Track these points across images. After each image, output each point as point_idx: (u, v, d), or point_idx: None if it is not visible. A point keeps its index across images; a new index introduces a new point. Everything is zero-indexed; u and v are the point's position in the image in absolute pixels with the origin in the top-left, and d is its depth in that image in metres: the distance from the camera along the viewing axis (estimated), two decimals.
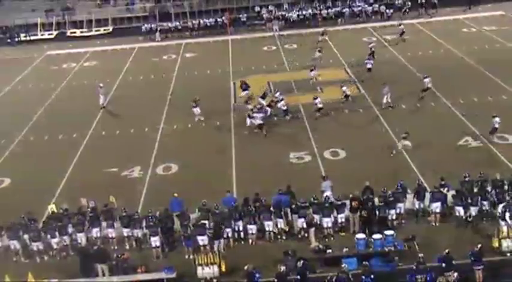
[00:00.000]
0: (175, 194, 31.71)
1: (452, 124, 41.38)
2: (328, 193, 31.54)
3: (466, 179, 30.95)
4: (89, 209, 31.65)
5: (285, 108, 44.99)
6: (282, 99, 45.60)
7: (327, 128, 42.65)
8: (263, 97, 46.13)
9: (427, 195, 30.54)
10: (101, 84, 51.56)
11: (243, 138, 42.06)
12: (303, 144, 39.91)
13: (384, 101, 44.93)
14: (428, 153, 37.06)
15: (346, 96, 46.36)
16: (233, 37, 72.19)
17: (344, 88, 46.98)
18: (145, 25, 76.66)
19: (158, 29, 74.95)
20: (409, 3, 76.77)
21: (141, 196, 34.88)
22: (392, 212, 29.89)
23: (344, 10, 76.81)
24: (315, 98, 44.87)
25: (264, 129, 42.01)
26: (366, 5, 77.88)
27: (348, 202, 30.07)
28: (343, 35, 69.30)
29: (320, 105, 44.33)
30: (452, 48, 59.13)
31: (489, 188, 30.45)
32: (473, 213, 29.40)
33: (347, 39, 66.88)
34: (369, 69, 52.47)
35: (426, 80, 46.63)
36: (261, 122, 42.40)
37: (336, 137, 40.87)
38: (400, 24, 66.33)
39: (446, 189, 30.59)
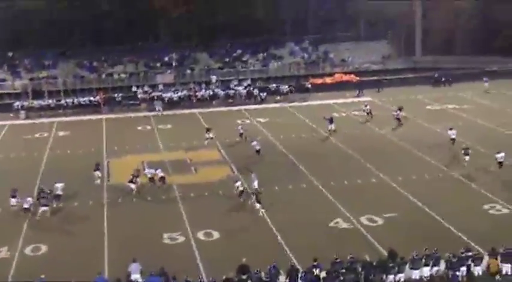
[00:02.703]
0: (42, 276, 30.63)
1: (324, 205, 42.22)
2: (137, 276, 31.38)
3: (337, 260, 31.46)
4: None
5: (150, 176, 46.62)
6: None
7: (200, 208, 42.50)
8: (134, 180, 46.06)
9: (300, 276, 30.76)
10: None
11: (116, 218, 41.33)
12: (177, 225, 39.59)
13: (255, 186, 44.84)
14: (300, 234, 37.47)
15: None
16: (107, 116, 71.97)
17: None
18: (17, 102, 75.09)
19: (21, 106, 73.80)
20: (292, 88, 79.12)
21: (7, 278, 33.44)
22: None
23: (218, 92, 78.11)
24: (236, 182, 44.65)
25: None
26: (240, 88, 79.47)
27: None
28: (217, 116, 70.16)
29: (241, 188, 43.95)
30: (324, 132, 60.86)
31: (359, 269, 31.01)
32: None
33: (221, 120, 67.66)
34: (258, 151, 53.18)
35: (449, 132, 54.04)
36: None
37: (210, 218, 40.70)
38: (366, 105, 67.86)
39: (318, 269, 30.95)
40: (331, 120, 60.07)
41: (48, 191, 43.67)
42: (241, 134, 58.17)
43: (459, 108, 69.97)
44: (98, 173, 48.24)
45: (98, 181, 47.94)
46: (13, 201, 43.05)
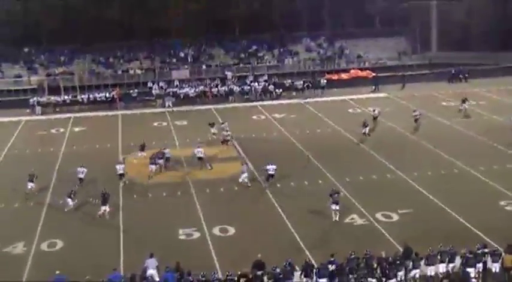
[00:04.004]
0: (58, 272, 30.77)
1: (339, 202, 42.07)
2: (153, 271, 31.38)
3: (352, 256, 31.44)
4: None
5: (168, 156, 50.31)
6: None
7: (216, 204, 42.64)
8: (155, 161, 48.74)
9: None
10: None
11: (131, 213, 41.48)
12: (192, 221, 39.68)
13: (240, 180, 45.66)
14: (315, 230, 37.54)
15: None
16: (123, 112, 72.05)
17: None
18: (34, 98, 75.28)
19: (37, 102, 74.04)
20: (308, 83, 78.82)
21: (24, 273, 33.65)
22: None
23: (234, 88, 78.03)
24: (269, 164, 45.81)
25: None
26: (256, 84, 79.33)
27: (235, 279, 29.95)
28: (233, 112, 70.14)
29: (272, 172, 45.25)
30: (338, 127, 60.82)
31: (374, 265, 30.98)
32: None
33: (237, 116, 67.62)
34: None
35: None
36: None
37: (225, 213, 40.83)
38: (374, 110, 64.61)
39: (333, 266, 30.92)
40: (365, 124, 58.16)
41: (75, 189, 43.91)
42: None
43: (475, 104, 69.58)
44: (143, 153, 52.10)
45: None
46: (31, 185, 44.56)
